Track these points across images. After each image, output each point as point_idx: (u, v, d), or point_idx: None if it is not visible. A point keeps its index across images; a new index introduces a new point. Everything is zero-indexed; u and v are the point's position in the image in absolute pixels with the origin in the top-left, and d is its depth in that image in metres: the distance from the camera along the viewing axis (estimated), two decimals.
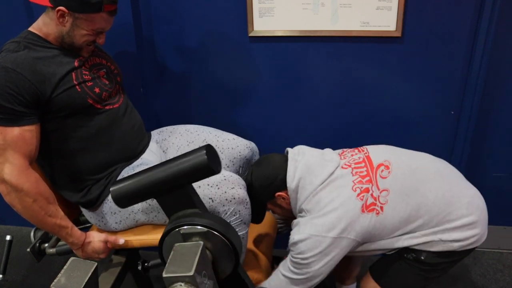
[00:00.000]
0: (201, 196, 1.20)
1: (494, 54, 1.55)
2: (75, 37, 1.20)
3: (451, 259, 1.24)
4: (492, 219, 1.31)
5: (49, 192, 1.17)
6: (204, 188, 1.20)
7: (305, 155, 1.29)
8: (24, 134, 1.11)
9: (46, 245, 1.33)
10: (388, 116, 1.71)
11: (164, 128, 1.53)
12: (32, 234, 1.35)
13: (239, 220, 1.24)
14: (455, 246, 1.20)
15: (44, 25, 1.21)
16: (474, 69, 1.57)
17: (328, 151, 1.36)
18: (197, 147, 1.41)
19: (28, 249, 1.30)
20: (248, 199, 1.25)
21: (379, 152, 1.29)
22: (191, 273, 0.89)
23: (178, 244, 1.00)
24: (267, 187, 1.30)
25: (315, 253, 1.18)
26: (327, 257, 1.19)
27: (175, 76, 1.78)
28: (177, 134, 1.48)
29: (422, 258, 1.22)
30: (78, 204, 1.32)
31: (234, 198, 1.21)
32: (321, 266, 1.20)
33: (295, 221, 1.27)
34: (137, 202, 1.10)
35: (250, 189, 1.30)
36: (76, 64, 1.22)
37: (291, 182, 1.26)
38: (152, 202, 1.24)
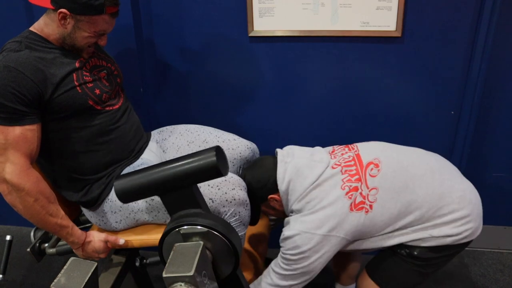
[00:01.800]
0: None
1: (494, 54, 1.55)
2: (77, 39, 1.20)
3: (445, 253, 1.24)
4: (492, 219, 1.31)
5: (50, 191, 1.17)
6: (204, 188, 1.20)
7: (294, 157, 1.30)
8: (25, 134, 1.11)
9: (46, 245, 1.33)
10: (388, 116, 1.72)
11: (164, 128, 1.54)
12: (32, 234, 1.36)
13: (239, 221, 1.24)
14: (448, 241, 1.20)
15: (45, 26, 1.21)
16: (474, 69, 1.57)
17: (318, 150, 1.36)
18: (197, 147, 1.43)
19: (28, 249, 1.30)
20: (248, 201, 1.26)
21: (369, 150, 1.30)
22: (191, 273, 0.89)
23: (178, 244, 1.00)
24: (259, 190, 1.31)
25: (305, 250, 1.20)
26: (317, 254, 1.20)
27: (175, 76, 1.78)
28: (177, 134, 1.48)
29: (416, 253, 1.22)
30: (78, 203, 1.32)
31: (234, 199, 1.21)
32: (311, 263, 1.21)
33: (286, 219, 1.28)
34: (139, 198, 1.11)
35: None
36: (77, 65, 1.22)
37: (281, 184, 1.27)
38: (152, 202, 1.24)
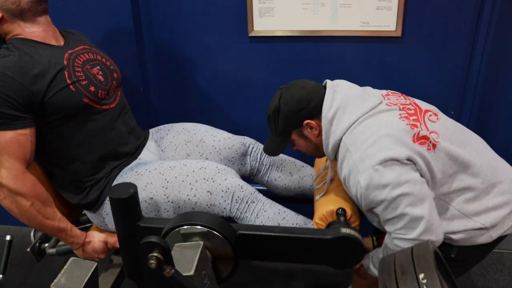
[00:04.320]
0: (199, 190, 1.22)
1: (494, 54, 1.55)
2: (7, 3, 1.15)
3: (482, 249, 1.17)
4: None
5: (46, 194, 1.16)
6: (201, 182, 1.22)
7: (345, 87, 1.18)
8: (18, 138, 1.10)
9: (46, 245, 1.33)
10: None
11: (162, 126, 1.54)
12: (32, 234, 1.35)
13: (244, 202, 1.24)
14: (493, 234, 1.11)
15: (10, 28, 1.19)
16: (474, 69, 1.57)
17: (370, 88, 1.24)
18: (194, 146, 1.44)
19: (28, 249, 1.30)
20: (242, 182, 1.25)
21: (425, 103, 1.21)
22: (191, 273, 0.90)
23: (178, 244, 1.00)
24: (297, 112, 1.16)
25: (394, 180, 1.01)
26: (409, 175, 1.01)
27: (175, 76, 1.78)
28: (174, 133, 1.48)
29: (453, 256, 1.14)
30: (79, 205, 1.32)
31: (228, 188, 1.22)
32: (413, 187, 1.01)
33: (345, 169, 1.10)
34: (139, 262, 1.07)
35: (275, 114, 1.20)
36: (65, 62, 1.20)
37: (327, 110, 1.12)
38: (152, 201, 1.24)
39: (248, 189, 1.26)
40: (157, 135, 1.50)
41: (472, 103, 1.62)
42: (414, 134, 1.05)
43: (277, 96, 1.20)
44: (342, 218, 1.14)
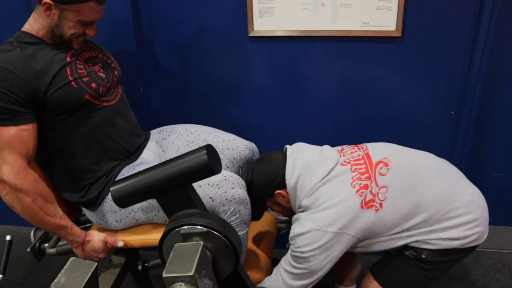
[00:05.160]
0: (201, 195, 1.20)
1: (494, 54, 1.55)
2: (63, 29, 1.17)
3: (452, 257, 1.24)
4: (492, 219, 1.31)
5: (48, 191, 1.16)
6: (204, 187, 1.20)
7: (304, 152, 1.30)
8: (20, 134, 1.10)
9: (46, 245, 1.33)
10: (388, 116, 1.72)
11: (164, 128, 1.53)
12: (32, 234, 1.35)
13: (239, 220, 1.24)
14: (455, 244, 1.20)
15: (34, 22, 1.19)
16: (474, 69, 1.57)
17: (327, 147, 1.36)
18: (197, 147, 1.42)
19: (28, 249, 1.30)
20: (248, 199, 1.25)
21: (378, 150, 1.30)
22: (191, 273, 0.89)
23: (178, 244, 1.00)
24: (267, 185, 1.30)
25: (315, 247, 1.19)
26: (327, 252, 1.20)
27: (175, 76, 1.78)
28: (177, 134, 1.48)
29: (423, 256, 1.22)
30: (78, 204, 1.32)
31: (234, 198, 1.21)
32: (321, 261, 1.20)
33: (295, 216, 1.27)
34: (137, 202, 1.10)
35: (250, 186, 1.30)
36: (68, 59, 1.20)
37: (289, 179, 1.26)
38: (152, 201, 1.24)
39: (249, 208, 1.26)
40: (159, 136, 1.50)
41: (472, 103, 1.62)
42: (362, 201, 1.19)
43: (250, 170, 1.34)
44: None
